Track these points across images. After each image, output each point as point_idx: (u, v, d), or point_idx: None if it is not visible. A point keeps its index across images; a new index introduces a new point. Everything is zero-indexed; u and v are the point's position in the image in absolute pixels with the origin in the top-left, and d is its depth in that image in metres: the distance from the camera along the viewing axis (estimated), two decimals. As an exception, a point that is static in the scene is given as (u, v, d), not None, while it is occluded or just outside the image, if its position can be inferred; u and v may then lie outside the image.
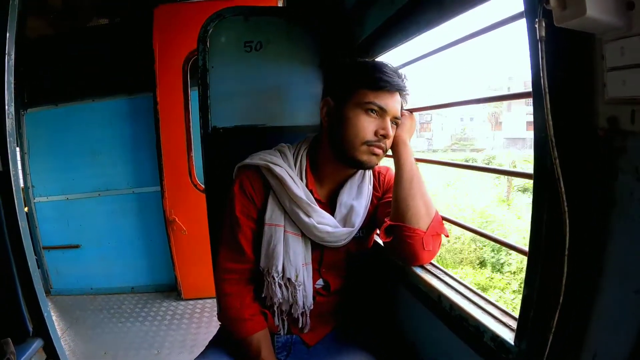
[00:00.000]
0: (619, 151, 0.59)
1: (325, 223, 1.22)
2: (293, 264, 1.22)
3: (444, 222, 1.19)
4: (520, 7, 0.72)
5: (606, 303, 0.62)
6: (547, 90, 0.60)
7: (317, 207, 1.22)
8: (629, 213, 0.58)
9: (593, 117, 0.62)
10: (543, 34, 0.61)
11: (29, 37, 3.41)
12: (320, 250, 1.29)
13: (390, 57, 1.43)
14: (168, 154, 3.29)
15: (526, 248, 0.77)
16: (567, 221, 0.61)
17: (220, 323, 1.46)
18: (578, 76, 0.63)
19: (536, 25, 0.61)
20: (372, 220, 1.33)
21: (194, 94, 3.13)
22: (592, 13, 0.52)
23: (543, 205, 0.69)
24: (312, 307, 1.28)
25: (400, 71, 1.23)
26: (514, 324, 0.85)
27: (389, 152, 1.25)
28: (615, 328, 0.60)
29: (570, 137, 0.63)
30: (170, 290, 3.64)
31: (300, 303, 1.25)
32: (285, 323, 1.31)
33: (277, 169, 1.21)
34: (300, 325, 1.29)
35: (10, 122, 1.64)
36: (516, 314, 0.84)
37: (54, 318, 3.19)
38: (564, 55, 0.63)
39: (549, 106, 0.61)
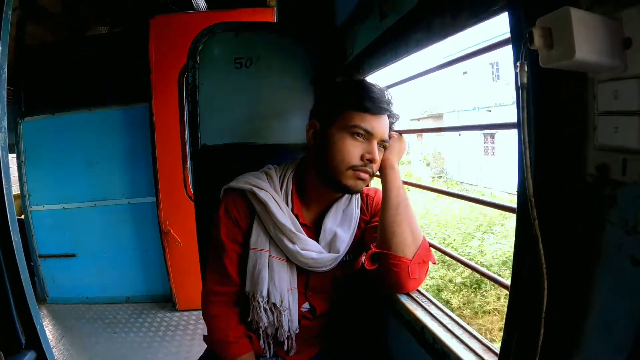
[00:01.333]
0: (608, 201, 0.54)
1: (309, 249, 1.19)
2: (278, 289, 1.19)
3: (431, 249, 1.16)
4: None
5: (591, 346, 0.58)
6: (527, 143, 0.56)
7: (301, 235, 1.19)
8: (615, 268, 0.53)
9: (582, 162, 0.57)
10: (525, 81, 0.55)
11: (27, 46, 3.42)
12: (305, 275, 1.26)
13: (379, 77, 1.40)
14: (163, 165, 3.28)
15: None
16: (546, 285, 0.57)
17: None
18: (568, 116, 0.58)
19: (517, 70, 0.55)
20: (359, 244, 1.30)
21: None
22: (581, 55, 0.47)
23: (526, 240, 0.64)
24: (297, 331, 1.25)
25: (388, 92, 1.19)
26: (494, 360, 0.81)
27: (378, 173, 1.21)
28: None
29: (557, 181, 0.59)
30: (165, 301, 3.62)
31: (286, 327, 1.22)
32: (271, 346, 1.28)
33: (262, 194, 1.18)
34: (285, 348, 1.27)
35: (2, 137, 1.61)
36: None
37: (49, 326, 3.23)
38: (553, 94, 0.59)
39: (529, 162, 0.56)
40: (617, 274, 0.54)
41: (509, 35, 0.66)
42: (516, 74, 0.56)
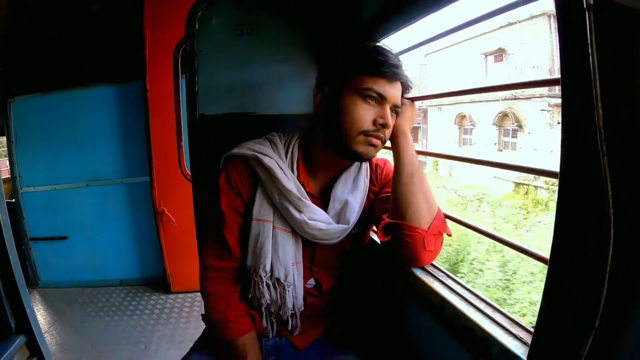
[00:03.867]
0: None
1: (317, 219, 1.13)
2: (282, 263, 1.13)
3: (446, 220, 1.11)
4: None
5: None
6: (597, 70, 0.49)
7: (309, 202, 1.13)
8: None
9: (636, 109, 0.51)
10: (591, 1, 0.50)
11: (16, 23, 3.31)
12: (311, 248, 1.20)
13: (389, 42, 1.34)
14: (158, 143, 3.22)
15: (546, 255, 0.68)
16: (612, 226, 0.52)
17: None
18: (618, 61, 0.52)
19: None
20: (368, 217, 1.25)
21: (184, 82, 3.03)
22: None
23: (570, 208, 0.60)
24: (302, 309, 1.19)
25: (399, 57, 1.13)
26: (525, 336, 0.76)
27: (387, 144, 1.16)
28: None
29: (611, 133, 0.53)
30: (160, 283, 3.58)
31: (290, 304, 1.16)
32: (274, 325, 1.22)
33: (267, 160, 1.12)
34: (289, 328, 1.20)
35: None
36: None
37: (41, 311, 3.18)
38: (603, 35, 0.52)
39: (598, 90, 0.50)
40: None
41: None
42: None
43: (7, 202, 1.76)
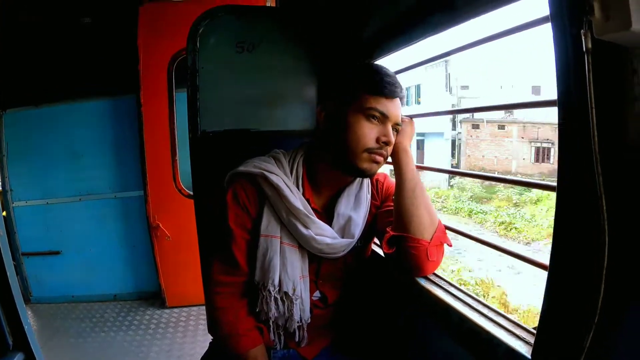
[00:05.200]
0: None
1: (324, 234, 1.17)
2: (290, 277, 1.16)
3: (446, 231, 1.15)
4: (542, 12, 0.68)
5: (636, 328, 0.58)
6: (593, 104, 0.56)
7: (315, 219, 1.16)
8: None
9: (622, 133, 0.58)
10: (590, 45, 0.56)
11: (8, 35, 3.29)
12: (317, 262, 1.24)
13: (387, 61, 1.39)
14: (152, 157, 3.19)
15: (544, 262, 0.73)
16: (607, 235, 0.57)
17: (212, 339, 1.40)
18: (609, 89, 0.59)
19: (582, 36, 0.56)
20: (370, 230, 1.29)
21: (179, 96, 3.04)
22: (637, 27, 0.49)
23: (569, 218, 0.65)
24: (309, 321, 1.23)
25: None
26: (528, 337, 0.81)
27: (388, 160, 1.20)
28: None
29: (602, 153, 0.59)
30: (154, 298, 3.53)
31: (297, 317, 1.19)
32: (282, 337, 1.25)
33: (274, 178, 1.15)
34: (297, 339, 1.23)
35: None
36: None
37: (34, 327, 3.11)
38: (596, 68, 0.59)
39: (594, 121, 0.56)
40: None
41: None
42: (564, 36, 0.60)
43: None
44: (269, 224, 1.17)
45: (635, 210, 0.58)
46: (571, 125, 0.60)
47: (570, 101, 0.60)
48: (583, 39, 0.56)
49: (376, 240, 1.36)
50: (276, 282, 1.16)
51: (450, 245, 1.15)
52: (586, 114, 0.58)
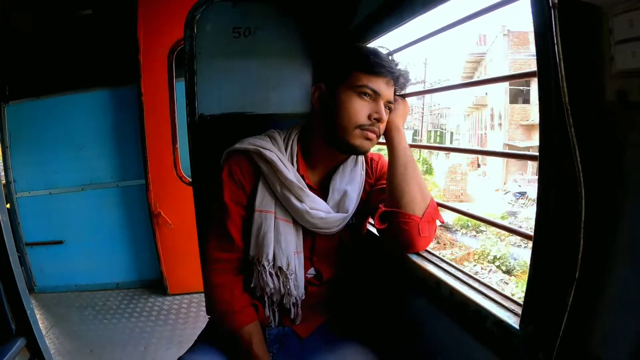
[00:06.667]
0: (628, 125, 0.57)
1: (318, 208, 1.19)
2: (284, 252, 1.19)
3: (439, 208, 1.17)
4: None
5: (617, 284, 0.60)
6: (561, 56, 0.58)
7: (309, 192, 1.18)
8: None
9: (601, 91, 0.60)
10: (556, 1, 0.58)
11: (9, 27, 3.31)
12: (311, 238, 1.26)
13: (382, 42, 1.40)
14: (153, 146, 3.22)
15: (530, 232, 0.75)
16: (583, 194, 0.59)
17: (209, 317, 1.42)
18: (584, 50, 0.61)
19: None
20: (365, 208, 1.30)
21: (179, 85, 3.06)
22: None
23: (549, 185, 0.67)
24: (303, 297, 1.25)
25: (393, 57, 1.20)
26: (516, 309, 0.83)
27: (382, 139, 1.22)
28: (627, 310, 0.58)
29: (579, 112, 0.61)
30: (156, 285, 3.58)
31: (293, 293, 1.21)
32: (277, 314, 1.27)
33: (268, 153, 1.17)
34: (291, 317, 1.26)
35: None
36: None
37: (38, 316, 3.14)
38: (570, 29, 0.60)
39: (563, 73, 0.58)
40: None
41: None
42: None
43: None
44: (263, 199, 1.20)
45: (611, 171, 0.59)
46: (548, 86, 0.62)
47: (546, 65, 0.62)
48: None
49: (371, 220, 1.38)
50: (270, 256, 1.18)
51: (443, 222, 1.17)
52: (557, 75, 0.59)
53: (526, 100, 20.36)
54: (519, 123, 20.00)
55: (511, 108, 20.48)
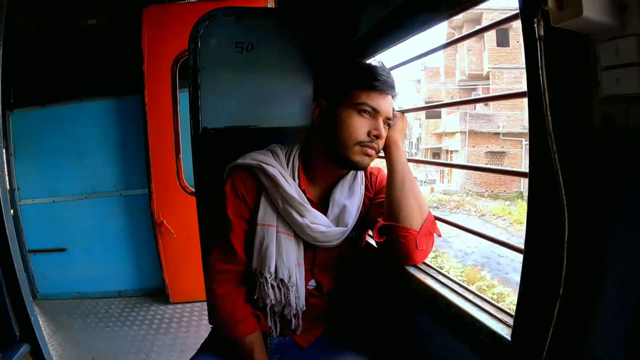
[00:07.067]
0: (614, 148, 0.60)
1: (318, 223, 1.21)
2: (286, 265, 1.21)
3: (436, 221, 1.19)
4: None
5: (603, 299, 0.62)
6: (546, 86, 0.61)
7: (310, 207, 1.21)
8: (627, 211, 0.58)
9: (588, 116, 0.63)
10: (542, 33, 0.61)
11: (15, 36, 3.35)
12: (312, 251, 1.28)
13: (381, 58, 1.43)
14: (156, 156, 3.25)
15: (521, 246, 0.78)
16: (566, 214, 0.62)
17: (211, 327, 1.45)
18: (572, 76, 0.64)
19: (534, 25, 0.61)
20: (364, 221, 1.33)
21: (182, 96, 3.12)
22: (588, 14, 0.54)
23: (539, 202, 0.70)
24: (304, 308, 1.27)
25: (391, 73, 1.23)
26: (509, 320, 0.85)
27: (381, 153, 1.25)
28: (615, 321, 0.61)
29: (566, 136, 0.64)
30: (158, 294, 3.59)
31: (293, 304, 1.24)
32: (278, 325, 1.29)
33: (270, 169, 1.20)
34: (292, 327, 1.28)
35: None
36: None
37: (40, 323, 3.15)
38: (559, 55, 0.64)
39: (547, 101, 0.61)
40: (629, 217, 0.59)
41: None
42: (531, 29, 0.63)
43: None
44: (265, 214, 1.22)
45: (598, 194, 0.62)
46: (536, 111, 0.65)
47: (535, 92, 0.65)
48: (535, 27, 0.62)
49: (370, 232, 1.41)
50: (272, 269, 1.20)
51: (440, 235, 1.19)
52: (552, 103, 0.62)
53: (436, 116, 26.99)
54: (432, 132, 27.38)
55: (427, 122, 28.12)
